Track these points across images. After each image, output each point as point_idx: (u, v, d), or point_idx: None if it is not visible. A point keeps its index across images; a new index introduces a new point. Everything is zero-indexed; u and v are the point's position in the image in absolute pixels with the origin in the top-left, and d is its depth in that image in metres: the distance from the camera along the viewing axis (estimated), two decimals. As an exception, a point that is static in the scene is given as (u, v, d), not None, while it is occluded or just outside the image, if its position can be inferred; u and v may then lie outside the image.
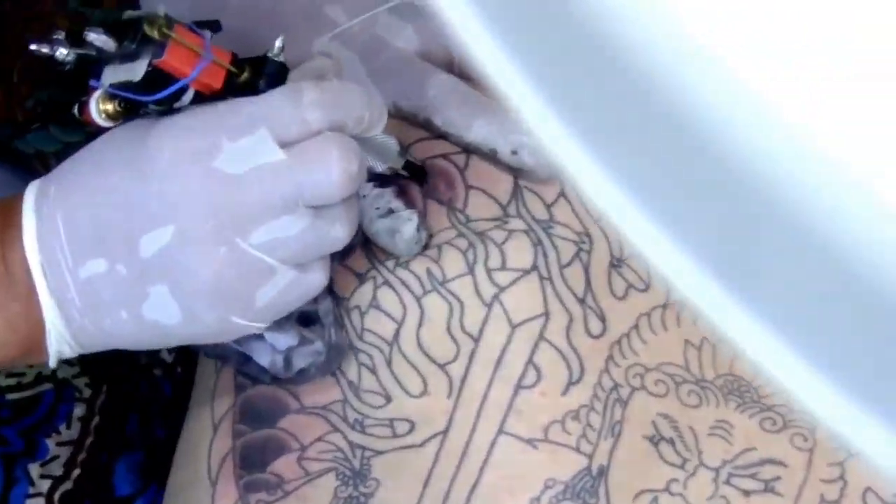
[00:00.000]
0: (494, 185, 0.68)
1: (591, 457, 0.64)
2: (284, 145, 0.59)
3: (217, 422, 0.68)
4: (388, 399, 0.66)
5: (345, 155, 0.59)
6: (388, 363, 0.66)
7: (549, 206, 0.68)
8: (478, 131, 0.67)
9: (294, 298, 0.61)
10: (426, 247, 0.66)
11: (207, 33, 0.62)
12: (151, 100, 0.60)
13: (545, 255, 0.67)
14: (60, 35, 0.61)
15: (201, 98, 0.61)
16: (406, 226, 0.66)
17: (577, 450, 0.64)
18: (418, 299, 0.66)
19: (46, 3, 0.98)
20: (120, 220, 0.60)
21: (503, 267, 0.66)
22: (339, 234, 0.61)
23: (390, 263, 0.67)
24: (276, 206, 0.59)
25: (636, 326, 0.66)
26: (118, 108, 0.62)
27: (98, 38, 0.60)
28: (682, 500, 0.64)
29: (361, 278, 0.67)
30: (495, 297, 0.66)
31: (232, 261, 0.59)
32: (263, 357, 0.66)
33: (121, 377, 0.81)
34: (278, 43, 0.62)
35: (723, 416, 0.65)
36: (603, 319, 0.66)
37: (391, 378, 0.66)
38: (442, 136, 0.69)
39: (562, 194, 0.68)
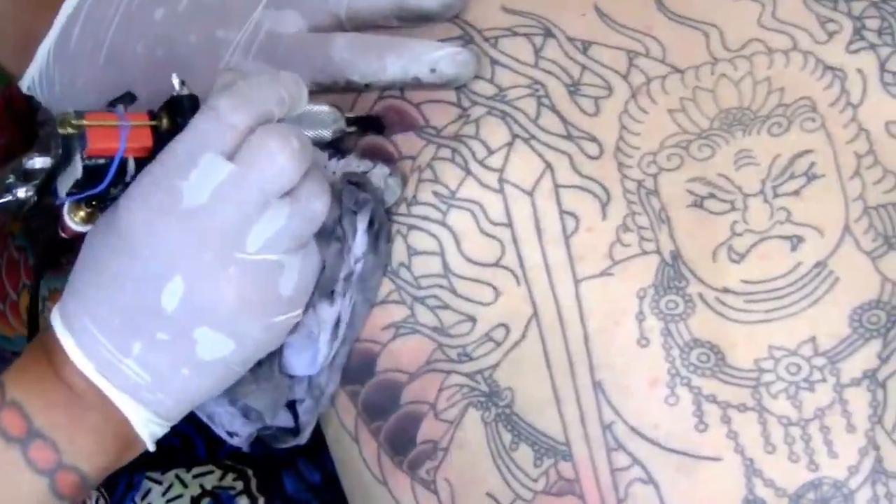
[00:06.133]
0: (439, 90, 0.71)
1: (658, 250, 0.68)
2: (231, 158, 0.63)
3: (355, 434, 0.72)
4: (473, 319, 0.69)
5: (281, 138, 0.63)
6: (453, 291, 0.70)
7: (491, 81, 0.71)
8: (392, 68, 0.71)
9: (310, 277, 0.67)
10: (405, 182, 0.70)
11: (120, 106, 0.65)
12: (103, 187, 0.64)
13: (515, 121, 0.70)
14: (10, 178, 0.64)
15: (145, 162, 0.64)
16: (381, 180, 0.69)
17: (644, 252, 0.68)
18: (442, 223, 0.70)
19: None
20: (135, 297, 0.64)
21: (490, 152, 0.70)
22: (317, 207, 0.65)
23: (402, 209, 0.70)
24: (251, 212, 0.63)
25: (623, 126, 0.70)
26: (88, 209, 0.66)
27: (36, 162, 0.63)
28: (751, 234, 0.67)
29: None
30: (500, 180, 0.69)
31: (244, 273, 0.64)
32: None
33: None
34: (175, 80, 0.65)
35: (738, 148, 0.69)
36: (593, 139, 0.70)
37: (463, 301, 0.69)
38: (366, 88, 0.72)
39: (495, 64, 0.71)
